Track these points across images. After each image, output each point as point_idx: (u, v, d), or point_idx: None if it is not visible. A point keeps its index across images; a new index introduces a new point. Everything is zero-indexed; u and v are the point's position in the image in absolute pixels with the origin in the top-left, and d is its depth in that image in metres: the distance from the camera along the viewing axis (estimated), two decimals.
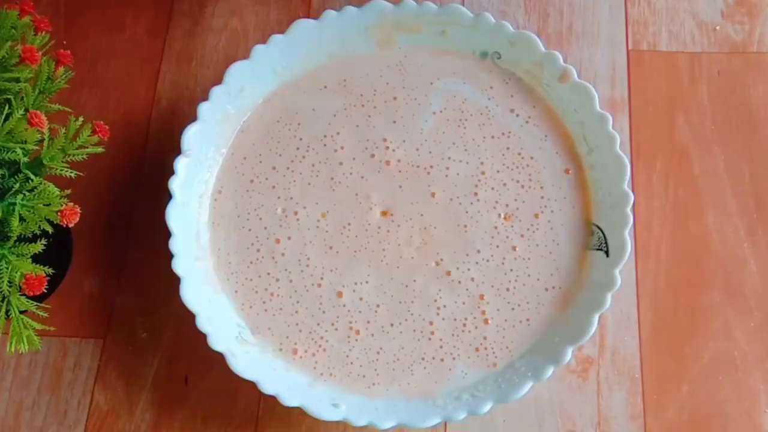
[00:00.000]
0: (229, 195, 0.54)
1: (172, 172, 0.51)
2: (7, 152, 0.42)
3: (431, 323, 0.51)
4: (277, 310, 0.51)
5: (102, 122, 0.46)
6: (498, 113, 0.57)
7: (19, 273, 0.42)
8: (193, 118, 0.53)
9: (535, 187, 0.54)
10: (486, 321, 0.51)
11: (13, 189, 0.42)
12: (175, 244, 0.49)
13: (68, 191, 0.43)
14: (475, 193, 0.54)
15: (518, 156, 0.55)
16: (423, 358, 0.50)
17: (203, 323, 0.48)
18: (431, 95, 0.57)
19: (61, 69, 0.47)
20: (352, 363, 0.50)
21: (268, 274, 0.52)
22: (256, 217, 0.54)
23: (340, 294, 0.52)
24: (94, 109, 0.61)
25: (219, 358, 0.47)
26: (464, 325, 0.51)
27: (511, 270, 0.52)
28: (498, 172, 0.55)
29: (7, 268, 0.42)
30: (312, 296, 0.52)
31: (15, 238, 0.43)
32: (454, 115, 0.57)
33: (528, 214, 0.54)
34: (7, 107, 0.43)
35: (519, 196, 0.54)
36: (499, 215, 0.53)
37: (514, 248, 0.53)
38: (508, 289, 0.52)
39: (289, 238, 0.53)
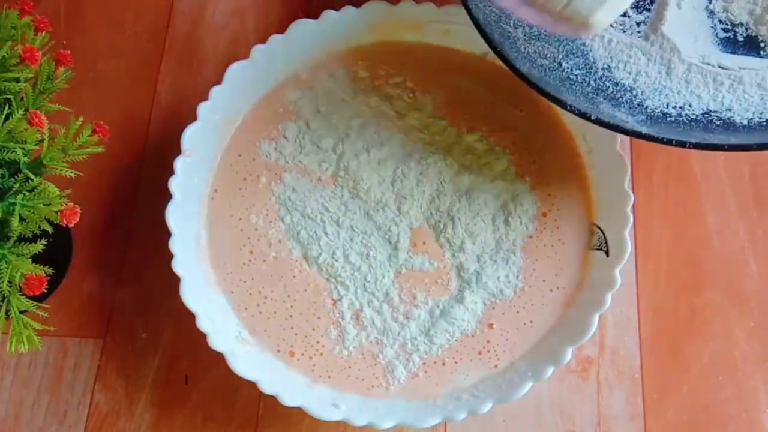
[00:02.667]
0: (224, 193, 0.54)
1: (172, 172, 0.51)
2: (7, 152, 0.42)
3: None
4: (271, 314, 0.51)
5: (102, 122, 0.46)
6: (502, 108, 0.56)
7: (19, 273, 0.42)
8: (193, 118, 0.53)
9: (542, 184, 0.54)
10: (491, 325, 0.51)
11: (13, 189, 0.42)
12: (175, 244, 0.49)
13: (68, 191, 0.43)
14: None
15: (525, 152, 0.55)
16: (425, 363, 0.50)
17: (203, 323, 0.48)
18: (434, 89, 0.57)
19: (61, 69, 0.47)
20: (350, 367, 0.50)
21: (261, 277, 0.52)
22: (247, 217, 0.53)
23: (334, 301, 0.51)
24: (94, 109, 0.61)
25: (219, 358, 0.47)
26: (468, 329, 0.51)
27: (519, 271, 0.52)
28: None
29: (7, 268, 0.42)
30: (306, 301, 0.51)
31: (15, 238, 0.43)
32: (457, 111, 0.56)
33: (536, 212, 0.53)
34: (7, 107, 0.43)
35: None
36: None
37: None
38: (514, 291, 0.52)
39: (279, 241, 0.53)
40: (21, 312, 0.44)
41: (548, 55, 0.52)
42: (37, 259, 0.44)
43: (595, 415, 0.52)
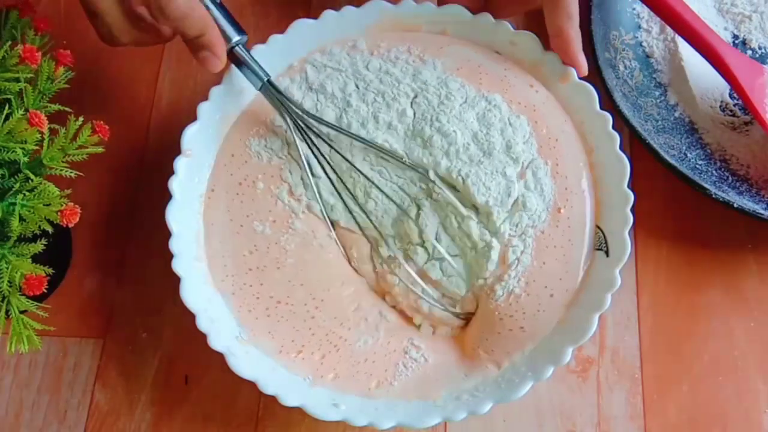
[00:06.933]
0: (221, 194, 0.53)
1: (172, 172, 0.51)
2: (7, 152, 0.42)
3: (439, 330, 0.51)
4: (282, 317, 0.50)
5: (102, 122, 0.46)
6: (517, 84, 0.54)
7: (19, 273, 0.42)
8: (193, 118, 0.53)
9: (560, 175, 0.52)
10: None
11: (13, 189, 0.42)
12: (175, 244, 0.49)
13: (68, 191, 0.43)
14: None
15: (545, 135, 0.53)
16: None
17: (203, 323, 0.48)
18: (443, 56, 0.55)
19: (61, 69, 0.47)
20: (359, 363, 0.49)
21: (273, 283, 0.51)
22: (250, 224, 0.52)
23: (350, 298, 0.51)
24: (94, 109, 0.61)
25: (219, 358, 0.47)
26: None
27: (527, 271, 0.50)
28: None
29: (7, 268, 0.42)
30: (329, 303, 0.51)
31: (15, 238, 0.43)
32: (472, 76, 0.54)
33: (552, 203, 0.51)
34: (7, 107, 0.43)
35: (547, 178, 0.51)
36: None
37: (533, 245, 0.50)
38: (522, 290, 0.50)
39: (296, 245, 0.52)
40: (21, 312, 0.44)
41: (675, 146, 0.58)
42: (37, 259, 0.44)
43: (595, 415, 0.52)
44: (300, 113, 0.51)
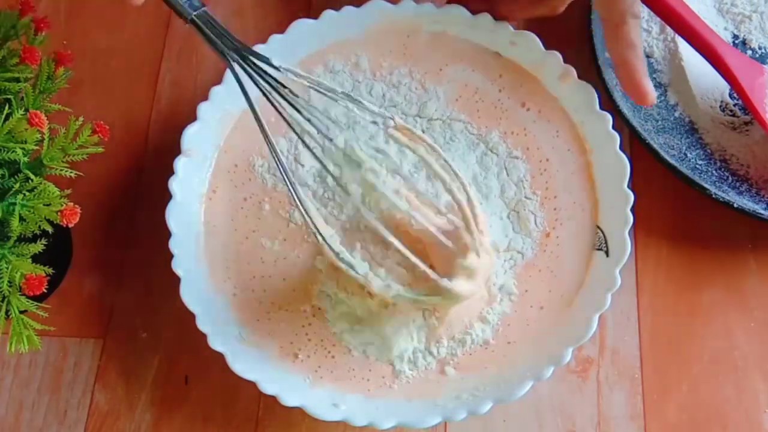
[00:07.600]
0: (224, 200, 0.53)
1: (172, 172, 0.51)
2: (7, 152, 0.42)
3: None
4: (283, 320, 0.51)
5: (102, 122, 0.46)
6: (510, 107, 0.55)
7: (19, 273, 0.42)
8: (193, 118, 0.53)
9: (549, 198, 0.53)
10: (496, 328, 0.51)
11: (13, 189, 0.42)
12: (175, 244, 0.49)
13: (68, 191, 0.43)
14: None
15: (536, 159, 0.54)
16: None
17: (203, 323, 0.48)
18: (443, 83, 0.56)
19: (61, 69, 0.47)
20: (354, 369, 0.50)
21: (279, 293, 0.51)
22: (257, 239, 0.52)
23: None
24: (94, 109, 0.61)
25: (219, 358, 0.47)
26: (470, 332, 0.50)
27: (520, 283, 0.51)
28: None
29: (7, 268, 0.42)
30: (322, 319, 0.51)
31: (15, 238, 0.43)
32: (470, 107, 0.55)
33: (540, 234, 0.52)
34: (7, 107, 0.43)
35: (532, 213, 0.53)
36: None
37: (516, 277, 0.51)
38: (514, 298, 0.51)
39: (300, 258, 0.52)
40: (21, 312, 0.44)
41: (675, 146, 0.57)
42: (37, 259, 0.44)
43: (595, 415, 0.52)
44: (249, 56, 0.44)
